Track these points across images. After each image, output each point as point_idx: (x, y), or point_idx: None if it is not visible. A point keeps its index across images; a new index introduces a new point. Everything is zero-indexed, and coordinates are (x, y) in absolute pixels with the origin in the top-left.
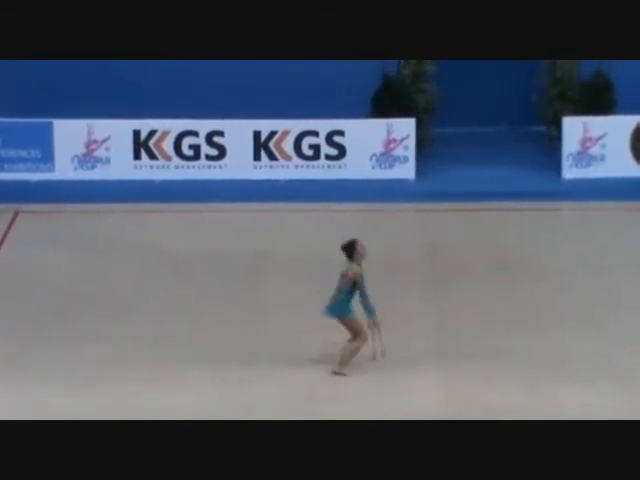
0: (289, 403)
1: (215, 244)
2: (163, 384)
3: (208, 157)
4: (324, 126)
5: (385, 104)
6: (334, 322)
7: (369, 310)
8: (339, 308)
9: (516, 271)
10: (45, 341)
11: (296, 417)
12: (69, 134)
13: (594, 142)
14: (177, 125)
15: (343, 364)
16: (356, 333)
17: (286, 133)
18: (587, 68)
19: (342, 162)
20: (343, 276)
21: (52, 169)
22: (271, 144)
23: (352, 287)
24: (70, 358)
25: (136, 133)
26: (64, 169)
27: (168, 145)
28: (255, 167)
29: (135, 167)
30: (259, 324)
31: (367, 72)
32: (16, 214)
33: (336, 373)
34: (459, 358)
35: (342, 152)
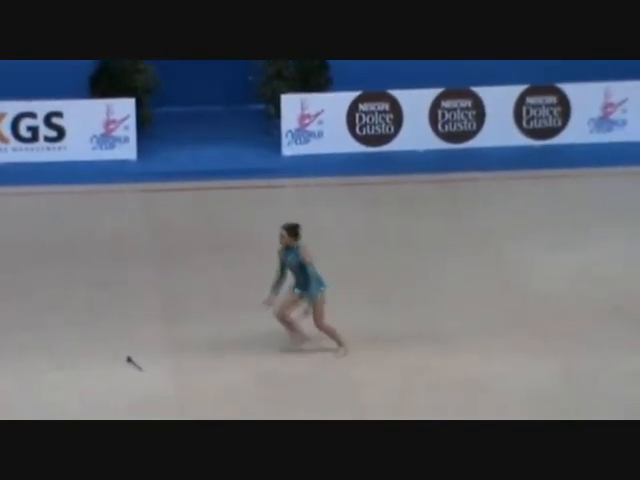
0: None
1: None
2: None
3: None
4: (42, 108)
5: (104, 84)
6: None
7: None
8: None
9: (240, 248)
10: None
11: None
12: None
13: (312, 119)
14: None
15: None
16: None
17: (2, 115)
18: None
19: (62, 144)
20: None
21: None
22: None
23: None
24: None
25: None
26: None
27: None
28: None
29: None
30: None
31: None
32: None
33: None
34: (189, 341)
35: (61, 134)
